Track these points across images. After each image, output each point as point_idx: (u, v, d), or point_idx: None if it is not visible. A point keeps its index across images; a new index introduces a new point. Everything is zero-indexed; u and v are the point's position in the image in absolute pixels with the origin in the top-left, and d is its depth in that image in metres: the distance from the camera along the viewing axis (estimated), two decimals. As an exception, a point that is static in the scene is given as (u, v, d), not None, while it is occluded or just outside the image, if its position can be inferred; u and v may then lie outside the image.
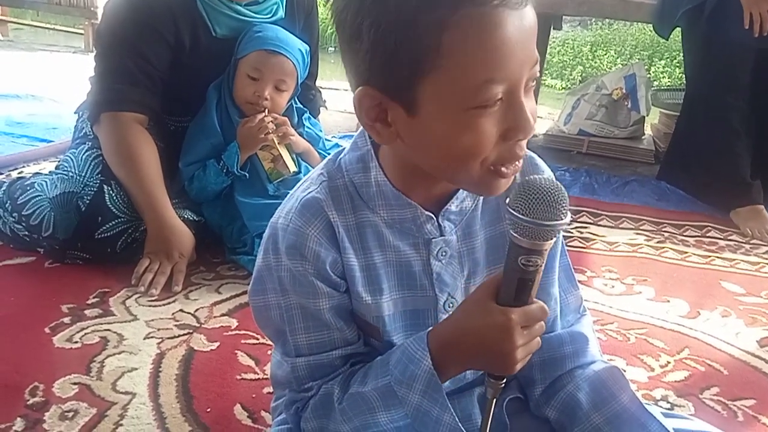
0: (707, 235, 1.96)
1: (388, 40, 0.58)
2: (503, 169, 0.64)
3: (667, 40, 2.44)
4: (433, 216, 0.72)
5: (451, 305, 0.75)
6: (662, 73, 5.58)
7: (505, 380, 0.67)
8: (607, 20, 6.22)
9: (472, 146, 0.61)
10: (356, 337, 0.75)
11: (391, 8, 0.58)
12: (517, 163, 0.64)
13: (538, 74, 0.63)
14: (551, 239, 0.60)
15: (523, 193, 0.59)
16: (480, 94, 0.59)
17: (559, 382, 0.79)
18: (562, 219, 0.58)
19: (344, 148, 0.74)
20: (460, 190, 0.72)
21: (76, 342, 1.19)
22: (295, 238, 0.70)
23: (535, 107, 0.64)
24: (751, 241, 1.92)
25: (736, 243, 1.91)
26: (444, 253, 0.73)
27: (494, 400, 0.68)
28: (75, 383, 1.08)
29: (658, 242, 1.87)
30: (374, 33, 0.59)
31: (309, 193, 0.71)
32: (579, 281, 0.84)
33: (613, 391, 0.76)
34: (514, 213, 0.58)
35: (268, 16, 1.57)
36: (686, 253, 1.81)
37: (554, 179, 0.60)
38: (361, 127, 0.72)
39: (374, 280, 0.73)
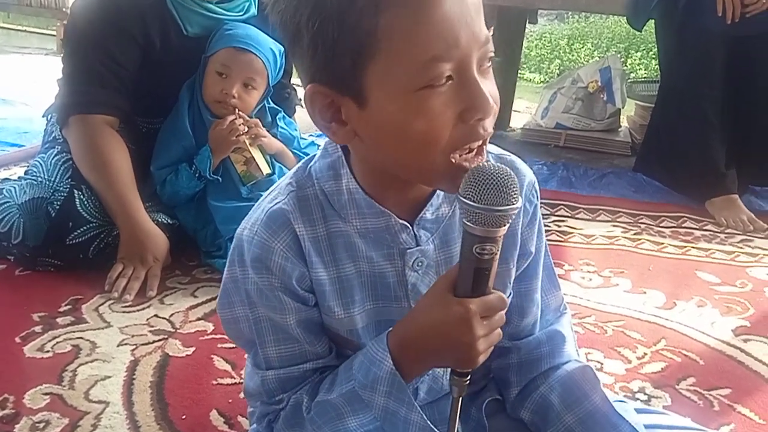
0: (683, 225, 1.98)
1: (327, 32, 0.57)
2: (466, 163, 0.61)
3: (641, 31, 2.46)
4: (408, 225, 0.69)
5: None
6: (639, 64, 5.62)
7: (469, 378, 0.66)
8: (584, 13, 6.25)
9: (426, 131, 0.58)
10: (327, 350, 0.73)
11: (322, 3, 0.57)
12: (480, 156, 0.62)
13: (491, 54, 0.61)
14: (504, 225, 0.59)
15: (473, 180, 0.58)
16: (425, 73, 0.57)
17: (533, 383, 0.78)
18: (513, 204, 0.58)
19: (314, 156, 0.72)
20: (435, 197, 0.70)
21: (48, 351, 1.17)
22: (260, 251, 0.67)
23: (496, 90, 0.62)
24: (726, 231, 1.95)
25: (712, 233, 1.93)
26: (420, 264, 0.71)
27: (460, 399, 0.67)
28: (46, 393, 1.06)
29: (634, 234, 1.88)
30: (312, 27, 0.58)
31: (276, 204, 0.68)
32: (557, 275, 0.84)
33: (586, 390, 0.75)
34: (465, 200, 0.58)
35: (240, 13, 1.55)
36: (662, 244, 1.83)
37: (502, 165, 0.59)
38: None
39: (346, 292, 0.71)
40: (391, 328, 0.68)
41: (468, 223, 0.59)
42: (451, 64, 0.58)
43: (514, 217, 0.59)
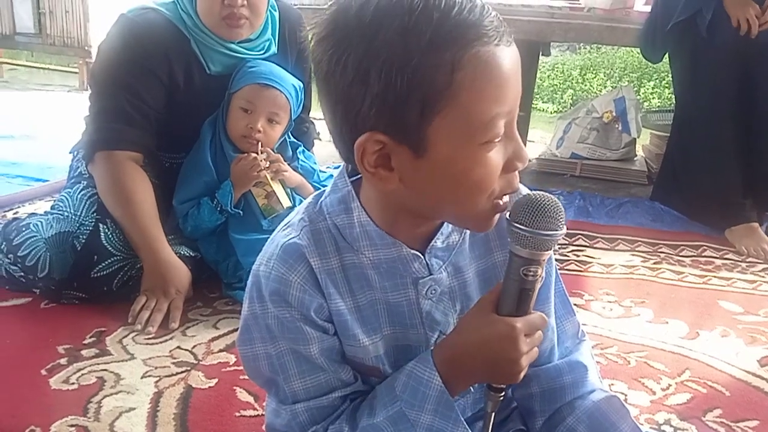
0: (703, 254, 1.96)
1: (400, 83, 0.58)
2: (500, 202, 0.66)
3: (655, 63, 2.47)
4: (419, 254, 0.71)
5: None
6: (652, 94, 5.64)
7: (503, 394, 0.70)
8: (596, 44, 6.31)
9: (483, 180, 0.63)
10: (352, 377, 0.74)
11: (399, 51, 0.58)
12: (512, 195, 0.67)
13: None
14: (549, 249, 0.64)
15: (523, 205, 0.63)
16: (490, 129, 0.61)
17: (559, 414, 0.78)
18: (559, 229, 0.63)
19: (324, 191, 0.74)
20: (445, 226, 0.72)
21: (73, 383, 1.18)
22: (278, 285, 0.69)
23: None
24: (747, 260, 1.93)
25: (733, 262, 1.91)
26: (434, 292, 0.73)
27: (493, 414, 0.70)
28: (72, 425, 1.07)
29: (654, 263, 1.87)
30: (384, 77, 0.58)
31: (290, 239, 0.70)
32: (578, 305, 0.85)
33: (614, 421, 0.76)
34: (515, 224, 0.63)
35: (261, 52, 1.60)
36: (683, 273, 1.81)
37: (552, 196, 0.64)
38: (341, 168, 0.72)
39: (366, 320, 0.72)
40: (432, 348, 0.71)
41: (516, 246, 0.64)
42: (504, 120, 0.63)
43: (558, 241, 0.64)
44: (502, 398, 0.70)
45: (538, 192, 0.65)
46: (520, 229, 0.63)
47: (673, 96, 2.35)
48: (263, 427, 1.07)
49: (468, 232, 0.74)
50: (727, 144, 2.06)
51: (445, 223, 0.72)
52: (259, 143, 1.52)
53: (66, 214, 1.49)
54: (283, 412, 0.75)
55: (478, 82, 0.59)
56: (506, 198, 0.66)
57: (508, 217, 0.64)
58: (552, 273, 0.80)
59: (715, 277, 1.80)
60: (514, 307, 0.67)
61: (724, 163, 2.07)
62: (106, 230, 1.45)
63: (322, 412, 0.73)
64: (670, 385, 1.26)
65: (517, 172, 0.66)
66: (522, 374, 0.68)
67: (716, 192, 2.08)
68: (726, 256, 1.95)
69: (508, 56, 0.61)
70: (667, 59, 2.30)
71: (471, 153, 0.62)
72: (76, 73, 4.55)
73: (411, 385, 0.69)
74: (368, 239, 0.70)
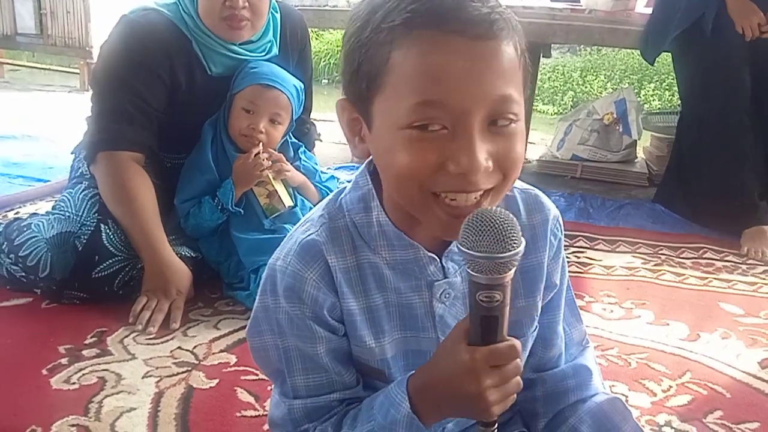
0: (704, 256, 1.96)
1: (354, 56, 0.63)
2: (455, 210, 0.61)
3: (652, 65, 2.48)
4: (436, 257, 0.70)
5: None
6: (652, 96, 5.65)
7: (496, 426, 0.64)
8: (596, 46, 6.32)
9: (405, 167, 0.60)
10: (354, 381, 0.74)
11: (362, 27, 0.63)
12: (468, 204, 0.61)
13: (509, 114, 0.60)
14: (508, 271, 0.57)
15: (470, 227, 0.57)
16: (413, 114, 0.59)
17: (562, 415, 0.78)
18: (513, 249, 0.56)
19: (345, 188, 0.74)
20: None
21: (74, 383, 1.18)
22: (293, 282, 0.69)
23: (508, 150, 0.61)
24: (747, 262, 1.93)
25: (733, 264, 1.91)
26: (447, 295, 0.72)
27: None
28: (73, 425, 1.07)
29: (655, 265, 1.87)
30: (346, 48, 0.65)
31: (309, 235, 0.70)
32: (579, 307, 0.85)
33: (616, 422, 0.75)
34: (463, 249, 0.57)
35: (263, 54, 1.60)
36: (683, 275, 1.81)
37: (502, 209, 0.58)
38: (362, 167, 0.73)
39: (376, 322, 0.72)
40: (412, 372, 0.68)
41: (471, 272, 0.58)
42: (446, 114, 0.59)
43: (517, 262, 0.57)
44: (494, 430, 0.64)
45: (486, 209, 0.58)
46: (469, 254, 0.56)
47: (678, 98, 2.33)
48: (264, 427, 1.07)
49: None
50: (743, 144, 2.04)
51: None
52: (260, 143, 1.53)
53: (67, 214, 1.49)
54: (282, 405, 0.75)
55: (408, 64, 0.59)
56: (466, 206, 0.61)
57: (458, 238, 0.58)
58: (565, 281, 0.80)
59: (715, 279, 1.80)
60: (479, 335, 0.60)
61: (741, 164, 2.04)
62: (108, 230, 1.45)
63: (317, 412, 0.73)
64: (670, 387, 1.26)
65: (476, 177, 0.59)
66: (496, 409, 0.61)
67: (732, 194, 2.06)
68: (726, 258, 1.95)
69: (463, 47, 0.57)
70: (668, 60, 2.29)
71: (396, 135, 0.60)
72: (77, 73, 4.56)
73: (385, 406, 0.68)
74: (386, 239, 0.69)
